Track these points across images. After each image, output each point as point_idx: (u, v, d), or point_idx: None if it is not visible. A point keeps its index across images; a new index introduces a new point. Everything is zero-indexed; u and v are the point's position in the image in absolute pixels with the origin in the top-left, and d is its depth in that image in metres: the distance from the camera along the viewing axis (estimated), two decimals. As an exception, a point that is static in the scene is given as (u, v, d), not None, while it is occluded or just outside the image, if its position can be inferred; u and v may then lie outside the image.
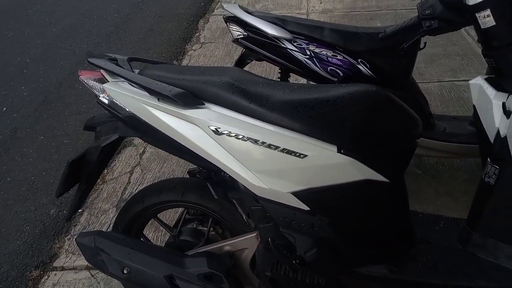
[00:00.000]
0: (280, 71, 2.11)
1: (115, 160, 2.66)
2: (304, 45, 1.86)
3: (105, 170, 2.58)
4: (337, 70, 1.86)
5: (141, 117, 1.25)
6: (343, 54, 1.84)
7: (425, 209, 2.02)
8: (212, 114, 1.20)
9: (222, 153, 1.20)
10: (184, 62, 3.71)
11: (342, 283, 1.33)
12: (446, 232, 1.49)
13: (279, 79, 2.15)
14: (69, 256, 2.01)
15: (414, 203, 2.06)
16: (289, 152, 1.17)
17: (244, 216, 1.39)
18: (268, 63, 2.14)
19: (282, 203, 1.22)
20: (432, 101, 2.80)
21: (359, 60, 1.84)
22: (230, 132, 1.18)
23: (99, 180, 2.48)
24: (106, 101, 1.32)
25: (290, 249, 1.26)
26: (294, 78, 2.24)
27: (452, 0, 1.27)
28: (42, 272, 1.97)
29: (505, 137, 1.26)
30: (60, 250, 2.07)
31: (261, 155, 1.18)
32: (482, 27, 1.20)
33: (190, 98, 1.20)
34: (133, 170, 2.54)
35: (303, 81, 2.63)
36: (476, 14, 1.18)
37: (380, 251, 1.29)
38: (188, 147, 1.23)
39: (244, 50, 2.03)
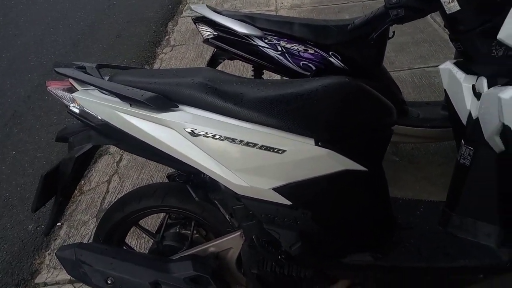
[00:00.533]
0: (253, 69, 2.11)
1: (92, 170, 2.61)
2: (275, 41, 1.86)
3: (82, 181, 2.53)
4: (310, 64, 1.87)
5: (114, 124, 1.23)
6: (314, 48, 1.86)
7: (404, 195, 2.04)
8: (187, 116, 1.19)
9: (200, 155, 1.19)
10: (156, 66, 3.68)
11: (328, 275, 1.35)
12: (426, 216, 1.52)
13: (252, 77, 2.14)
14: (51, 271, 1.97)
15: (393, 189, 2.05)
16: (268, 148, 1.17)
17: (227, 216, 1.38)
18: (241, 62, 2.14)
19: (264, 200, 1.22)
20: (405, 89, 2.85)
21: (330, 53, 1.86)
22: (207, 132, 1.17)
23: (76, 192, 2.43)
24: (77, 111, 1.29)
25: (275, 245, 1.26)
26: (267, 75, 2.24)
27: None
28: (23, 290, 1.92)
29: (477, 118, 1.29)
30: (41, 265, 2.01)
31: (239, 154, 1.18)
32: (447, 13, 1.22)
33: (163, 101, 1.19)
34: (110, 178, 2.50)
35: (277, 77, 2.63)
36: (441, 0, 1.21)
37: (363, 240, 1.30)
38: (165, 151, 1.22)
39: (215, 50, 2.02)
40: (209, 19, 1.89)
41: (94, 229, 1.66)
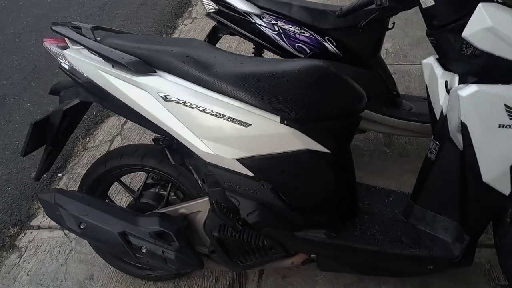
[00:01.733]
0: (254, 47, 2.16)
1: (98, 129, 2.74)
2: (272, 21, 1.90)
3: (87, 138, 2.67)
4: (304, 47, 1.91)
5: (98, 83, 1.32)
6: (310, 32, 1.89)
7: (387, 185, 2.09)
8: (163, 82, 1.27)
9: (171, 119, 1.27)
10: (175, 36, 3.75)
11: (285, 247, 1.42)
12: (393, 205, 1.56)
13: (253, 56, 2.19)
14: (46, 216, 2.11)
15: (378, 179, 2.13)
16: (234, 120, 1.24)
17: (199, 182, 1.46)
18: (244, 39, 2.18)
19: (228, 169, 1.30)
20: (412, 83, 2.84)
21: (326, 37, 1.89)
22: (179, 99, 1.25)
23: (80, 147, 2.58)
24: (67, 67, 1.39)
25: (233, 211, 1.34)
26: (268, 55, 2.28)
27: (398, -20, 1.31)
28: (19, 230, 2.08)
29: (446, 115, 1.32)
30: (38, 210, 2.17)
31: (207, 122, 1.25)
32: (423, 6, 1.24)
33: (142, 65, 1.27)
34: (113, 139, 2.62)
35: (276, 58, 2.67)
36: (417, -7, 1.23)
37: (320, 218, 1.37)
38: (140, 113, 1.30)
39: (216, 24, 2.07)
40: (212, -7, 1.95)
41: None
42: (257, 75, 1.25)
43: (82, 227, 1.40)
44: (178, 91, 1.26)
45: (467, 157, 1.22)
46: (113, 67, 1.30)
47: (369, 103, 1.93)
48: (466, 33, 1.12)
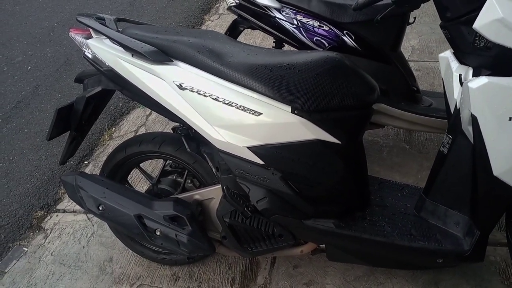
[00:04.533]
0: (274, 41, 2.18)
1: (124, 119, 2.84)
2: (292, 15, 1.92)
3: (113, 128, 2.76)
4: (323, 41, 1.92)
5: (118, 71, 1.39)
6: (329, 25, 1.90)
7: (405, 181, 2.08)
8: (178, 71, 1.32)
9: (186, 107, 1.32)
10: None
11: (295, 235, 1.44)
12: (406, 199, 1.56)
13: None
14: (71, 201, 2.21)
15: (395, 175, 2.12)
16: (245, 109, 1.27)
17: (213, 169, 1.51)
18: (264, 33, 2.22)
19: (239, 156, 1.33)
20: (436, 80, 2.79)
21: (344, 31, 1.89)
22: (193, 87, 1.30)
23: (106, 136, 2.68)
24: (90, 56, 1.46)
25: (243, 198, 1.38)
26: (288, 49, 2.30)
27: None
28: (46, 213, 2.19)
29: (460, 108, 1.31)
30: (64, 195, 2.27)
31: (220, 111, 1.29)
32: (436, -1, 1.24)
33: (159, 55, 1.32)
34: (138, 129, 2.71)
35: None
36: (431, -15, 1.22)
37: (330, 208, 1.38)
38: (157, 100, 1.36)
39: (236, 17, 2.11)
40: (233, -12, 1.99)
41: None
42: (269, 65, 1.28)
43: (100, 208, 1.47)
44: (192, 79, 1.30)
45: (477, 150, 1.21)
46: (132, 56, 1.36)
47: (387, 97, 1.96)
48: (477, 24, 1.11)
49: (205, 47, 1.34)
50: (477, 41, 1.18)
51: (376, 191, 1.59)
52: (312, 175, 1.34)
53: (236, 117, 1.29)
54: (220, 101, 1.29)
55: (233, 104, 1.28)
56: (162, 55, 1.33)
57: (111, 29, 1.43)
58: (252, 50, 1.39)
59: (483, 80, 1.13)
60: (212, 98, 1.29)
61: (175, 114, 1.37)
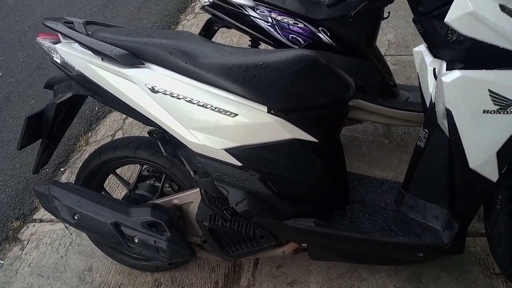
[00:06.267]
0: (250, 39, 2.16)
1: (100, 124, 2.78)
2: (266, 13, 1.90)
3: (89, 133, 2.71)
4: (298, 38, 1.91)
5: (88, 76, 1.35)
6: (304, 23, 1.88)
7: (384, 176, 2.09)
8: (150, 73, 1.29)
9: (159, 111, 1.30)
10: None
11: (276, 236, 1.43)
12: (386, 194, 1.56)
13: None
14: (47, 210, 2.16)
15: (375, 169, 2.12)
16: (221, 110, 1.25)
17: (191, 173, 1.48)
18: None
19: (216, 159, 1.31)
20: (413, 73, 2.81)
21: (319, 28, 1.88)
22: (166, 90, 1.27)
23: (82, 142, 2.62)
24: (58, 61, 1.42)
25: (222, 201, 1.36)
26: (264, 47, 2.28)
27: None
28: (22, 223, 2.13)
29: (435, 102, 1.31)
30: (40, 204, 2.21)
31: (194, 113, 1.27)
32: (408, -7, 1.24)
33: (130, 58, 1.29)
34: (115, 133, 2.66)
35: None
36: (402, -20, 1.22)
37: (310, 207, 1.37)
38: (130, 105, 1.33)
39: (210, 17, 2.08)
40: (206, -14, 1.96)
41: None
42: (243, 65, 1.26)
43: (76, 218, 1.43)
44: (165, 82, 1.28)
45: (453, 144, 1.21)
46: (102, 60, 1.32)
47: (364, 93, 1.96)
48: (449, 18, 1.11)
49: (177, 48, 1.31)
50: (449, 35, 1.19)
51: (356, 187, 1.59)
52: (291, 174, 1.32)
53: (212, 119, 1.27)
54: (194, 103, 1.26)
55: (208, 106, 1.26)
56: (133, 58, 1.29)
57: (80, 32, 1.39)
58: (226, 50, 1.37)
59: (456, 74, 1.13)
60: (186, 101, 1.27)
61: (149, 118, 1.34)
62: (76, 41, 1.35)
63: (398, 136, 2.32)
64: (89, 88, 1.41)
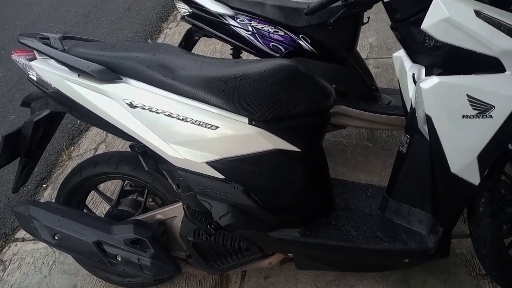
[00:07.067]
0: (231, 48, 2.15)
1: (82, 137, 2.74)
2: (246, 21, 1.90)
3: (72, 147, 2.66)
4: (279, 46, 1.90)
5: (65, 93, 1.32)
6: (284, 30, 1.89)
7: (370, 180, 2.10)
8: (128, 88, 1.27)
9: (138, 126, 1.27)
10: (159, 41, 3.75)
11: (262, 248, 1.42)
12: (370, 200, 1.56)
13: (231, 58, 2.19)
14: (30, 228, 2.11)
15: (360, 174, 2.13)
16: (201, 123, 1.24)
17: (174, 187, 1.46)
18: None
19: (198, 173, 1.30)
20: (395, 76, 2.80)
21: (300, 35, 1.88)
22: (144, 105, 1.25)
23: (65, 157, 2.57)
24: (34, 78, 1.39)
25: (206, 215, 1.34)
26: (246, 56, 2.28)
27: (362, -25, 1.31)
28: (3, 243, 2.07)
29: (415, 107, 1.32)
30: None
31: (174, 127, 1.25)
32: (384, 0, 1.24)
33: (107, 73, 1.27)
34: (98, 146, 2.62)
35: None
36: (378, -13, 1.22)
37: (294, 216, 1.36)
38: (108, 121, 1.30)
39: (191, 26, 2.07)
40: (185, -3, 1.95)
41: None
42: (223, 77, 1.25)
43: (56, 238, 1.40)
44: (143, 97, 1.26)
45: (434, 149, 1.22)
46: (79, 76, 1.30)
47: (346, 99, 1.97)
48: (425, 25, 1.12)
49: (155, 62, 1.29)
50: (427, 41, 1.19)
51: (340, 194, 1.58)
52: (274, 185, 1.31)
53: (192, 133, 1.25)
54: (174, 117, 1.25)
55: (188, 120, 1.24)
56: (110, 73, 1.27)
57: (56, 48, 1.37)
58: (205, 62, 1.35)
59: (434, 80, 1.13)
60: (165, 115, 1.25)
61: (128, 134, 1.32)
62: (51, 57, 1.32)
63: (382, 140, 2.33)
64: (66, 105, 1.38)
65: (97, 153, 2.57)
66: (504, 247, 1.37)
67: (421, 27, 1.12)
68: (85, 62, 1.28)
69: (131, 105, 1.25)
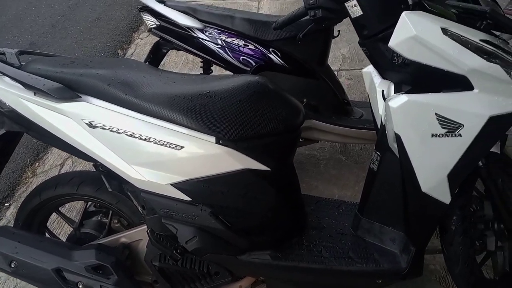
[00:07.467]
0: (202, 61, 2.11)
1: (48, 153, 2.63)
2: (215, 35, 1.86)
3: (37, 163, 2.55)
4: (249, 60, 1.87)
5: (20, 112, 1.25)
6: (254, 44, 1.85)
7: (343, 194, 2.08)
8: (87, 107, 1.20)
9: (98, 147, 1.21)
10: (130, 51, 3.67)
11: (231, 271, 1.36)
12: (344, 217, 1.53)
13: (202, 70, 2.14)
14: (-11, 251, 2.00)
15: (333, 188, 2.11)
16: (165, 143, 1.18)
17: (139, 208, 1.40)
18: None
19: (163, 195, 1.24)
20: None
21: (270, 49, 1.86)
22: (104, 125, 1.19)
23: (29, 173, 2.46)
24: (-12, 96, 1.30)
25: (171, 240, 1.28)
26: (216, 69, 2.23)
27: (329, -11, 1.29)
28: (-40, 268, 1.95)
29: (384, 124, 1.30)
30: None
31: (136, 148, 1.19)
32: (352, 17, 1.22)
33: (64, 91, 1.20)
34: (64, 162, 2.52)
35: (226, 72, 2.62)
36: (345, 3, 1.20)
37: (265, 238, 1.32)
38: (67, 141, 1.23)
39: (158, 39, 2.02)
40: (151, 9, 1.89)
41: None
42: (188, 94, 1.20)
43: (13, 265, 1.31)
44: (103, 116, 1.19)
45: (404, 167, 1.20)
46: (34, 94, 1.22)
47: (318, 113, 1.94)
48: (392, 43, 1.10)
49: (116, 78, 1.23)
50: (395, 58, 1.17)
51: (313, 211, 1.55)
52: (244, 206, 1.27)
53: (156, 153, 1.19)
54: (136, 137, 1.19)
55: (151, 139, 1.18)
56: (68, 91, 1.21)
57: (12, 64, 1.29)
58: (170, 78, 1.30)
59: (402, 98, 1.12)
60: (127, 135, 1.19)
61: (85, 153, 1.25)
62: (5, 74, 1.24)
63: (355, 153, 2.32)
64: (22, 125, 1.30)
65: (63, 169, 2.47)
66: (477, 265, 1.36)
67: (389, 44, 1.11)
68: (41, 80, 1.21)
69: (90, 124, 1.19)
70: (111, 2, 4.55)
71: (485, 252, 1.42)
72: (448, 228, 1.31)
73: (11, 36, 3.98)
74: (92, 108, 1.20)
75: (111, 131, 1.19)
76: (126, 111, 1.20)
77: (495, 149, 1.28)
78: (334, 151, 2.33)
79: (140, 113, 1.20)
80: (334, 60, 3.21)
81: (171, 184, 1.21)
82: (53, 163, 2.53)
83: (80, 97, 1.22)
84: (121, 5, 4.48)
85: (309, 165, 2.25)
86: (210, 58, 1.93)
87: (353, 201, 1.61)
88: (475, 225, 1.36)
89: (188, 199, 1.23)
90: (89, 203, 1.55)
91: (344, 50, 3.29)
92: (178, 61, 3.39)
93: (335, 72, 3.06)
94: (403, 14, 1.08)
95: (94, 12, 4.35)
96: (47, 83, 1.20)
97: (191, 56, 3.35)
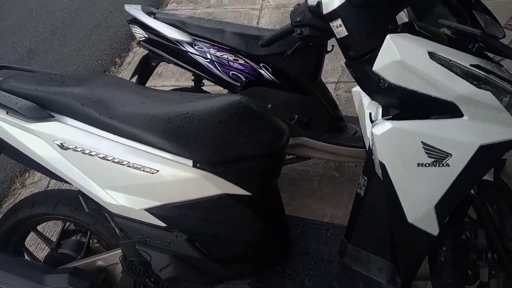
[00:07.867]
0: (192, 74, 2.06)
1: (39, 163, 2.59)
2: (205, 49, 1.81)
3: (26, 174, 2.52)
4: (239, 75, 1.82)
5: (-8, 131, 1.20)
6: (244, 59, 1.80)
7: (336, 213, 2.01)
8: (59, 128, 1.16)
9: (70, 169, 1.16)
10: (128, 59, 3.64)
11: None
12: (331, 242, 1.47)
13: (193, 84, 2.10)
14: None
15: (325, 207, 2.04)
16: (139, 167, 1.13)
17: (117, 230, 1.35)
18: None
19: (137, 220, 1.19)
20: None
21: (261, 64, 1.80)
22: (76, 146, 1.14)
23: (18, 185, 2.42)
24: (-39, 114, 1.26)
25: (145, 267, 1.23)
26: (208, 82, 2.18)
27: (316, 9, 1.23)
28: None
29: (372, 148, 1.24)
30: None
31: (109, 171, 1.14)
32: (337, 37, 1.16)
33: (37, 111, 1.16)
34: (54, 173, 2.48)
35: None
36: (330, 23, 1.14)
37: (244, 267, 1.26)
38: (39, 162, 1.19)
39: (147, 52, 1.97)
40: (140, 21, 1.85)
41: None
42: (165, 115, 1.16)
43: (-19, 289, 1.27)
44: (75, 137, 1.15)
45: (389, 196, 1.14)
46: (7, 113, 1.18)
47: (309, 130, 1.88)
48: (377, 67, 1.05)
49: (91, 98, 1.19)
50: (381, 81, 1.11)
51: (299, 235, 1.49)
52: (222, 233, 1.21)
53: (129, 177, 1.14)
54: (109, 160, 1.14)
55: (125, 163, 1.13)
56: (41, 110, 1.16)
57: None
58: (150, 97, 1.26)
59: (387, 125, 1.06)
60: (99, 157, 1.14)
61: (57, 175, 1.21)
62: (-22, 92, 1.20)
63: (349, 170, 2.25)
64: (-4, 143, 1.26)
65: (52, 181, 2.43)
66: (468, 298, 1.29)
67: (373, 69, 1.05)
68: (14, 98, 1.17)
69: (62, 146, 1.14)
70: (112, 9, 4.53)
71: (478, 282, 1.35)
72: (437, 259, 1.24)
73: (10, 43, 3.97)
74: (65, 129, 1.15)
75: (83, 153, 1.14)
76: (100, 132, 1.15)
77: (488, 177, 1.22)
78: (328, 167, 2.27)
79: (114, 134, 1.15)
80: (333, 72, 3.16)
81: (145, 209, 1.16)
82: (42, 175, 2.49)
83: (53, 116, 1.17)
84: (121, 12, 4.44)
85: (302, 182, 2.19)
86: (200, 73, 1.88)
87: (342, 224, 1.55)
88: (467, 255, 1.29)
89: (163, 225, 1.18)
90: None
91: (343, 61, 3.22)
92: (175, 71, 3.35)
93: (334, 84, 3.04)
94: (388, 37, 1.02)
95: (94, 19, 4.34)
96: (19, 102, 1.16)
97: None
